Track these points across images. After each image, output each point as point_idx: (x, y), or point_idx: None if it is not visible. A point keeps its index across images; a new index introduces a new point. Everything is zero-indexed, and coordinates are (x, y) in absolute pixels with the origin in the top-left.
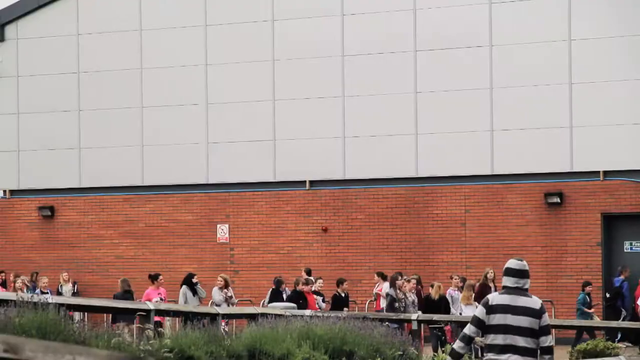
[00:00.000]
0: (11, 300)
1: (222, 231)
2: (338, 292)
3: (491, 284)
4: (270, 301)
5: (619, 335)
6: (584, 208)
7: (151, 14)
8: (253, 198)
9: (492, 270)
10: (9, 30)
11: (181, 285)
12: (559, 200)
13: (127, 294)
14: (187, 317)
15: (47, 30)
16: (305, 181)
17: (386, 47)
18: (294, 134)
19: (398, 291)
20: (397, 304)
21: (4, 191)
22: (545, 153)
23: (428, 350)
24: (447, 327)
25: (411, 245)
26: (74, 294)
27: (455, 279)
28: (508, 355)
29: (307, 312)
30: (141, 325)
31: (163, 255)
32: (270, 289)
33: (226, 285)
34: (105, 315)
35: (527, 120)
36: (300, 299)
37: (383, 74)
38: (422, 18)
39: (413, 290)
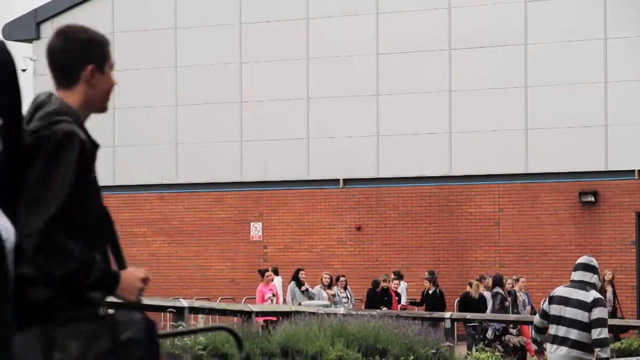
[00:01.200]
0: None
1: (256, 229)
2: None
3: (608, 286)
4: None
5: None
6: (619, 207)
7: (186, 12)
8: (286, 196)
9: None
10: (45, 29)
11: (289, 282)
12: (593, 199)
13: None
14: (223, 314)
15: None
16: (338, 179)
17: (420, 46)
18: (328, 132)
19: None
20: (507, 303)
21: None
22: (580, 152)
23: (462, 349)
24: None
25: (445, 244)
26: None
27: (487, 280)
28: (556, 346)
29: (341, 310)
30: (174, 323)
31: (196, 253)
32: (367, 289)
33: (330, 284)
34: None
35: (561, 118)
36: (385, 297)
37: (417, 72)
38: (457, 16)
39: (523, 290)
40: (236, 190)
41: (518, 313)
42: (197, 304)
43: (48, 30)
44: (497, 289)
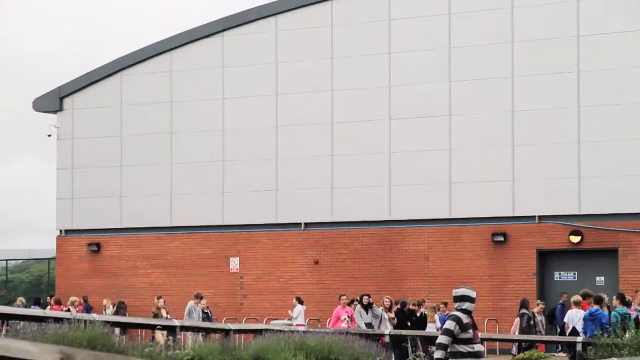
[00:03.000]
0: (66, 318)
1: (234, 263)
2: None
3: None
4: (399, 324)
5: (559, 347)
6: (523, 245)
7: (180, 86)
8: (259, 237)
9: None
10: (66, 102)
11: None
12: (503, 239)
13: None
14: (206, 332)
15: (96, 102)
16: (301, 223)
17: (366, 117)
18: (292, 185)
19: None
20: (532, 322)
21: (61, 231)
22: (492, 201)
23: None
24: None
25: (385, 275)
26: (115, 314)
27: (428, 302)
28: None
29: (302, 327)
30: (167, 339)
31: (186, 282)
32: (396, 312)
33: (390, 308)
34: (139, 330)
35: (477, 175)
36: (412, 317)
37: (363, 138)
38: (395, 93)
39: (541, 312)
40: (218, 232)
41: (539, 332)
42: (187, 323)
43: (69, 104)
44: (524, 310)
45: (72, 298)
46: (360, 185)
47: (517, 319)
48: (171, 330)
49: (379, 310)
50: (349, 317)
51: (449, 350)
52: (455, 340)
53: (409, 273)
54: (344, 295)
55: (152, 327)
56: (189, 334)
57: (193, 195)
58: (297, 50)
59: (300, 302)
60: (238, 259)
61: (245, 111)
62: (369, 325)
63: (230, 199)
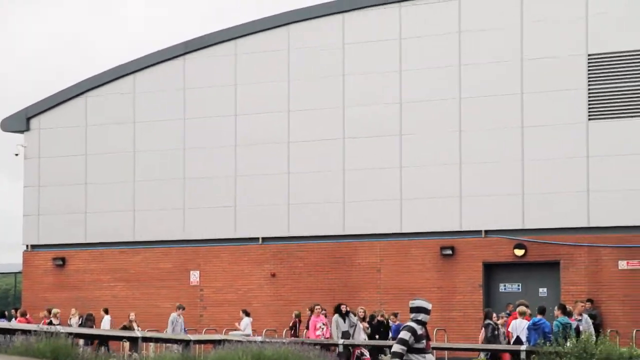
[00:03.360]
0: (32, 330)
1: (195, 276)
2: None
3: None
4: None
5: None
6: (470, 258)
7: (143, 105)
8: (218, 250)
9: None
10: (33, 122)
11: (333, 314)
12: (451, 252)
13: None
14: (167, 342)
15: (61, 122)
16: (258, 237)
17: (321, 136)
18: (250, 202)
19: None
20: (496, 332)
21: (27, 246)
22: (441, 216)
23: None
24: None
25: (339, 287)
26: (80, 325)
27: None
28: None
29: (259, 338)
30: (130, 350)
31: (149, 295)
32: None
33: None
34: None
35: (427, 191)
36: (381, 328)
37: (318, 157)
38: (349, 113)
39: (504, 323)
40: (179, 246)
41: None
42: (149, 334)
43: (36, 124)
44: (488, 321)
45: (54, 310)
46: (315, 201)
47: (483, 330)
48: (134, 341)
49: (355, 319)
50: (323, 324)
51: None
52: (409, 350)
53: (362, 285)
54: (318, 305)
55: (117, 339)
56: (151, 345)
57: (155, 211)
58: (255, 73)
59: (247, 314)
60: (198, 272)
61: (205, 131)
62: (346, 333)
63: (191, 214)
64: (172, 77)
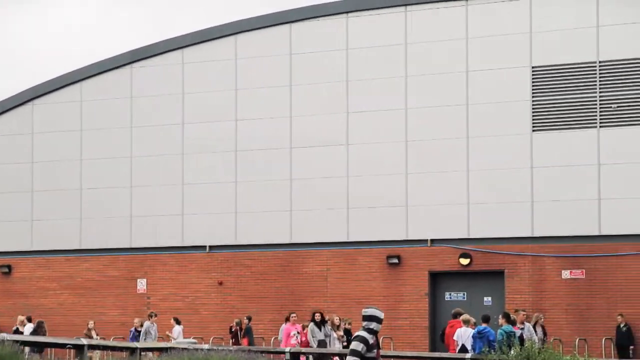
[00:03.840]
0: None
1: (141, 284)
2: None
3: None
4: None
5: None
6: (416, 267)
7: (92, 114)
8: (165, 259)
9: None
10: None
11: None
12: (397, 261)
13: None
14: (114, 349)
15: (7, 130)
16: (205, 246)
17: (268, 145)
18: (198, 209)
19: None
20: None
21: None
22: (388, 226)
23: None
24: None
25: (286, 295)
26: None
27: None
28: None
29: (205, 346)
30: (76, 357)
31: (95, 302)
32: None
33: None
34: (49, 348)
35: (374, 201)
36: (349, 336)
37: (267, 165)
38: (296, 123)
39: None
40: (126, 254)
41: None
42: (95, 342)
43: None
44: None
45: (20, 317)
46: (263, 209)
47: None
48: (79, 348)
49: (329, 328)
50: (297, 332)
51: None
52: (362, 359)
53: (308, 293)
54: (294, 313)
55: (61, 346)
56: (97, 352)
57: (101, 219)
58: (202, 82)
59: (178, 322)
60: (145, 280)
61: (152, 139)
62: (322, 342)
63: (138, 222)
64: (119, 85)
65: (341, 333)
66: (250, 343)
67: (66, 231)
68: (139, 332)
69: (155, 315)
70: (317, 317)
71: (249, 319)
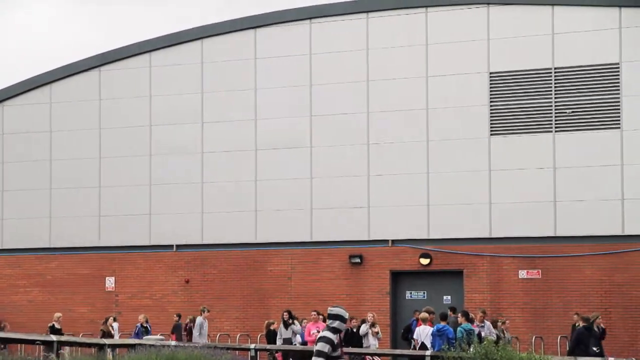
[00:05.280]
0: None
1: (110, 282)
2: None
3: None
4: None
5: None
6: (378, 266)
7: (62, 114)
8: (133, 257)
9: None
10: None
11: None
12: (359, 261)
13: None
14: (81, 346)
15: None
16: (173, 245)
17: (234, 147)
18: (165, 208)
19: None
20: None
21: None
22: (350, 226)
23: None
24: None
25: (251, 293)
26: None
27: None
28: None
29: (173, 342)
30: (46, 353)
31: (65, 299)
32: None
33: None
34: (19, 345)
35: (336, 202)
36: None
37: (231, 168)
38: (261, 126)
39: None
40: (95, 253)
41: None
42: (64, 338)
43: None
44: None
45: None
46: (229, 210)
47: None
48: (48, 344)
49: (298, 327)
50: (318, 331)
51: None
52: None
53: (273, 292)
54: (314, 311)
55: (30, 342)
56: (67, 348)
57: (71, 218)
58: (169, 85)
59: (114, 320)
60: (114, 278)
61: (121, 140)
62: (287, 340)
63: (107, 221)
64: (87, 87)
65: (376, 330)
66: (178, 339)
67: (36, 230)
68: (145, 327)
69: (208, 311)
70: (285, 316)
71: (179, 316)
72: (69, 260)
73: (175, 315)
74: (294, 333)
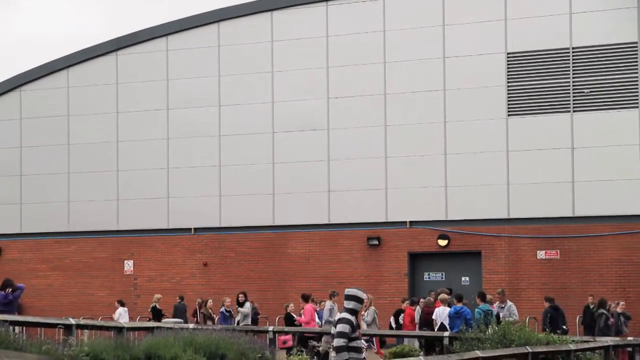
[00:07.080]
0: None
1: (128, 265)
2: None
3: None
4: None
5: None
6: (396, 248)
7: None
8: (152, 241)
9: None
10: None
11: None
12: (377, 242)
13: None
14: (102, 329)
15: None
16: (191, 228)
17: (247, 129)
18: (183, 192)
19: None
20: (609, 321)
21: None
22: (368, 208)
23: (281, 354)
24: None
25: (269, 276)
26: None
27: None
28: None
29: (191, 325)
30: (65, 337)
31: (84, 283)
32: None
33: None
34: (39, 328)
35: (354, 184)
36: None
37: (248, 148)
38: (279, 108)
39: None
40: (114, 237)
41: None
42: (83, 322)
43: None
44: (602, 310)
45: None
46: (247, 193)
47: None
48: (68, 328)
49: (247, 309)
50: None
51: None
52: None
53: (291, 274)
54: (310, 295)
55: (51, 326)
56: (85, 332)
57: (89, 202)
58: (186, 69)
59: (122, 304)
60: (132, 261)
61: (138, 124)
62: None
63: (125, 205)
64: (105, 72)
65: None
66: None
67: (55, 214)
68: (229, 312)
69: (337, 295)
70: (241, 297)
71: (181, 298)
72: (87, 244)
73: (178, 298)
74: (243, 315)
